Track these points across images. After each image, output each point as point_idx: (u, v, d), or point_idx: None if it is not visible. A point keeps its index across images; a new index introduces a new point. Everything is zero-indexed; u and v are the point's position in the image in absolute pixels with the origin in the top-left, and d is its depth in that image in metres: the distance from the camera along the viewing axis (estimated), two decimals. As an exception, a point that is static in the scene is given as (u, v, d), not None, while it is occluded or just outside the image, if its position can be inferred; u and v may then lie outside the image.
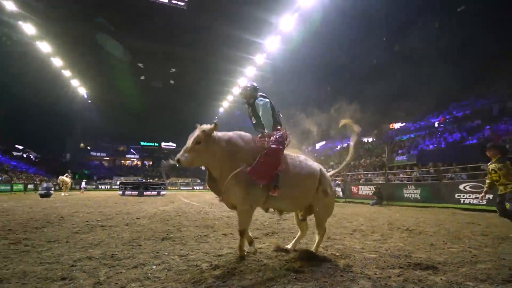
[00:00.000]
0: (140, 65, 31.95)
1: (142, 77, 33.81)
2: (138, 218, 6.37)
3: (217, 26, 25.01)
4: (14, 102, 29.13)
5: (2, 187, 21.24)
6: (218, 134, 2.85)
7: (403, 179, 13.59)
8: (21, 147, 38.64)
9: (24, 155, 38.48)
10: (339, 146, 31.73)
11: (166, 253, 3.21)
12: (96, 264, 2.76)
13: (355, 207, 11.13)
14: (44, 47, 26.14)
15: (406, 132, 24.05)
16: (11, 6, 21.28)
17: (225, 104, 41.18)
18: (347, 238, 4.26)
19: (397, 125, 27.55)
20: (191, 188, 36.73)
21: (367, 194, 13.03)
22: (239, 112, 37.76)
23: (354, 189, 13.99)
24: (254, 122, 3.28)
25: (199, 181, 40.74)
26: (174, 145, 50.76)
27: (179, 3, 23.96)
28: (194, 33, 26.69)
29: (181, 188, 35.92)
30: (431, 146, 17.92)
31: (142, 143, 49.17)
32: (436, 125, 22.22)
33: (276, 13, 23.85)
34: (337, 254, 3.26)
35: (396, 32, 23.74)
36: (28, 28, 23.52)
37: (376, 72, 27.19)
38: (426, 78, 23.92)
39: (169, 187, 33.83)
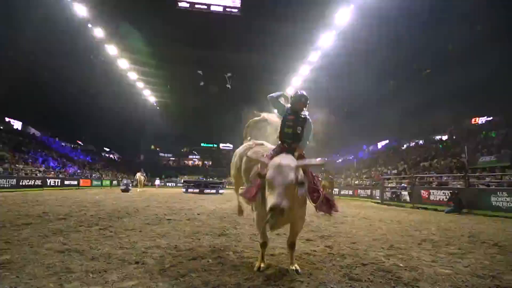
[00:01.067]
0: (200, 72, 34.53)
1: (202, 83, 36.47)
2: (198, 214, 6.90)
3: (270, 27, 25.30)
4: (100, 111, 34.87)
5: (95, 182, 25.64)
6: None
7: (490, 183, 11.43)
8: (107, 149, 45.99)
9: (110, 156, 45.70)
10: (405, 146, 28.60)
11: (221, 248, 3.39)
12: (162, 252, 3.09)
13: (425, 214, 9.85)
14: (123, 63, 30.63)
15: (495, 128, 20.13)
16: (99, 33, 25.62)
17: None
18: (414, 249, 3.79)
19: (481, 120, 23.29)
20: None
21: (441, 200, 11.37)
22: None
23: (423, 193, 12.39)
24: (288, 132, 2.78)
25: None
26: (231, 146, 53.30)
27: (233, 10, 25.08)
28: (248, 36, 27.55)
29: (237, 187, 37.39)
30: (530, 144, 14.65)
31: (202, 144, 53.02)
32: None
33: (330, 6, 22.81)
34: (401, 265, 2.93)
35: (479, 7, 19.64)
36: (111, 49, 27.92)
37: (452, 59, 23.37)
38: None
39: (227, 186, 35.64)
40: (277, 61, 30.05)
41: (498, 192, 9.52)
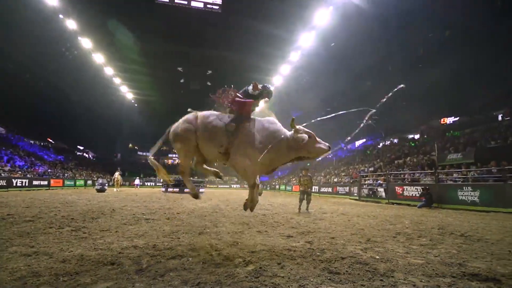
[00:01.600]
0: (179, 69, 33.75)
1: (182, 80, 35.68)
2: (178, 213, 6.75)
3: (251, 25, 25.27)
4: (74, 107, 33.08)
5: (68, 182, 24.24)
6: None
7: (457, 179, 12.21)
8: (81, 148, 43.70)
9: (84, 154, 43.46)
10: (381, 144, 29.80)
11: (202, 246, 3.33)
12: (140, 252, 2.98)
13: (399, 209, 10.34)
14: (98, 58, 29.13)
15: (461, 128, 21.56)
16: (72, 25, 24.13)
17: (261, 103, 41.43)
18: (389, 241, 3.96)
19: (449, 120, 24.85)
20: (228, 186, 37.82)
21: (414, 195, 12.00)
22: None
23: (398, 189, 13.00)
24: None
25: (236, 179, 41.76)
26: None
27: (214, 7, 24.71)
28: (229, 34, 27.34)
29: (219, 186, 37.17)
30: (493, 143, 15.80)
31: (182, 143, 51.94)
32: (500, 118, 19.58)
33: (310, 7, 23.22)
34: (377, 257, 3.05)
35: (448, 14, 20.98)
36: (85, 42, 26.43)
37: (423, 62, 24.78)
38: (484, 66, 21.09)
39: (208, 185, 35.24)
40: (258, 60, 30.09)
41: (464, 187, 10.21)
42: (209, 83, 35.40)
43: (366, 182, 16.59)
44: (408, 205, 11.64)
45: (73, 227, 4.44)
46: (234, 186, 38.01)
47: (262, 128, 3.23)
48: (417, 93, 23.58)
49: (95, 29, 25.41)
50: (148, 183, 36.19)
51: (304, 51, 27.87)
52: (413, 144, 23.44)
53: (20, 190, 16.78)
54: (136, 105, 43.23)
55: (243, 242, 3.65)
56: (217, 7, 24.79)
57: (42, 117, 32.35)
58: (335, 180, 23.54)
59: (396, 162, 20.60)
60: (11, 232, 3.85)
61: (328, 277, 2.36)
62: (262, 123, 3.29)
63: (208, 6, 24.73)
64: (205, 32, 27.22)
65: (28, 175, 20.72)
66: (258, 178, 3.34)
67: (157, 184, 34.00)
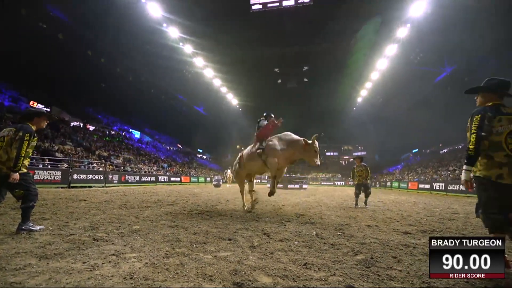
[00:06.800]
0: (276, 70, 35.18)
1: (279, 81, 37.07)
2: (283, 205, 7.08)
3: (346, 11, 23.45)
4: (192, 116, 40.18)
5: (193, 179, 29.72)
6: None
7: None
8: (200, 151, 52.44)
9: (203, 156, 52.00)
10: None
11: (307, 234, 3.37)
12: (251, 234, 3.31)
13: None
14: (209, 72, 34.30)
15: None
16: (189, 49, 29.61)
17: (363, 93, 37.86)
18: None
19: None
20: (332, 183, 36.50)
21: None
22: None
23: None
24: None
25: (340, 176, 39.87)
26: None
27: (305, 0, 24.34)
28: (322, 26, 26.39)
29: (322, 183, 36.43)
30: None
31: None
32: None
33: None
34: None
35: None
36: (199, 61, 31.76)
37: None
38: None
39: (310, 182, 35.12)
40: (356, 46, 27.61)
41: None
42: (305, 79, 35.30)
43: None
44: None
45: (199, 211, 5.40)
46: (338, 183, 36.32)
47: (280, 139, 5.24)
48: None
49: (204, 49, 30.20)
50: (255, 180, 39.45)
51: (415, 22, 23.29)
52: None
53: (163, 184, 21.77)
54: (240, 109, 48.11)
55: (351, 234, 3.44)
56: (308, 0, 24.34)
57: (175, 127, 40.97)
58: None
59: None
60: (161, 212, 5.07)
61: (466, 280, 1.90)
62: (279, 137, 5.31)
63: (299, 1, 24.63)
64: (299, 28, 27.25)
65: (168, 173, 26.60)
66: (276, 180, 5.26)
67: (263, 181, 36.65)
